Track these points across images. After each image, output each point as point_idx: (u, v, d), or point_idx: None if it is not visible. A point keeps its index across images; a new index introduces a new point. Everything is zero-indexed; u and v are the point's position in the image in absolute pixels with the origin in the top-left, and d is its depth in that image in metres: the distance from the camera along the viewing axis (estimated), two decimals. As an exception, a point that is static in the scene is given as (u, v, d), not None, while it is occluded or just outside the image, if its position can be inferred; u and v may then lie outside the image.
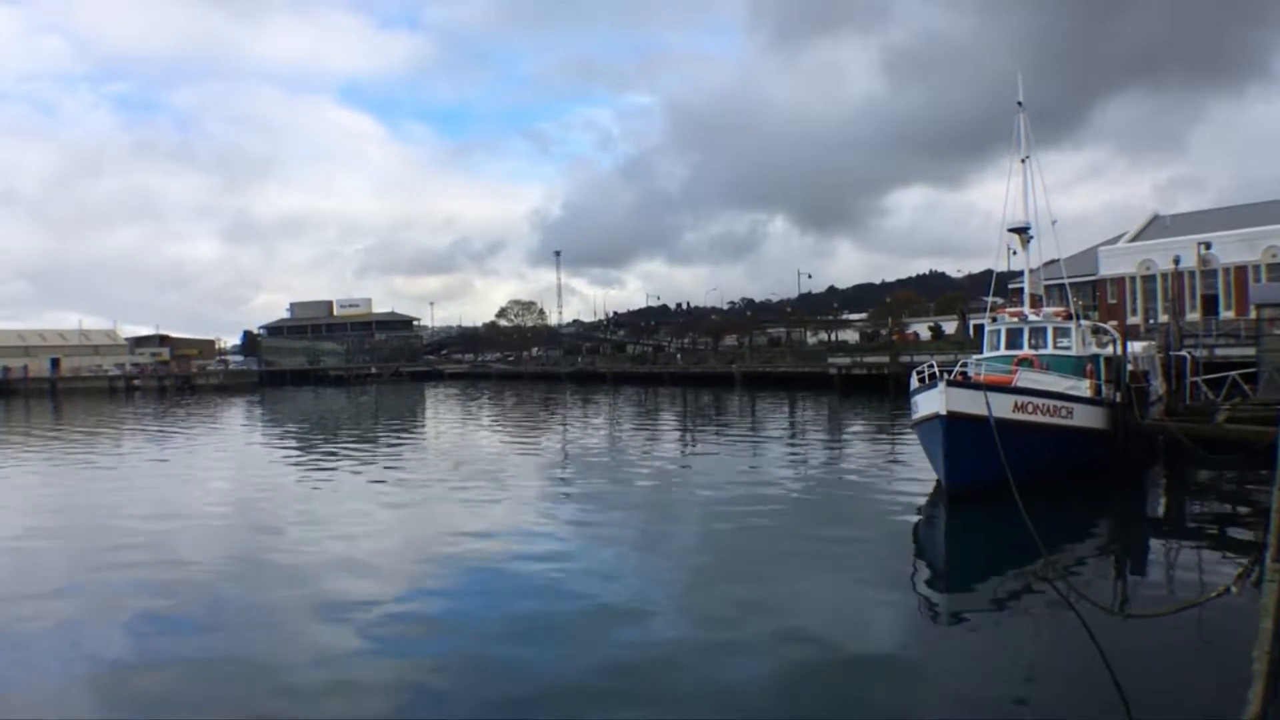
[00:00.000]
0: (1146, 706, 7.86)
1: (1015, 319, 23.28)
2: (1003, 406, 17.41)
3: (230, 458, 31.85)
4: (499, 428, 42.55)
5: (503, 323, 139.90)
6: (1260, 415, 20.70)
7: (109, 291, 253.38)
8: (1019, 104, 24.82)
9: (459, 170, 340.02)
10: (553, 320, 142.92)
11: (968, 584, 13.26)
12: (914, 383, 19.67)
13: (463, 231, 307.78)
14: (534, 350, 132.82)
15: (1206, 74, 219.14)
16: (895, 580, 12.68)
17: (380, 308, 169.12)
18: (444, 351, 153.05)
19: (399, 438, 38.38)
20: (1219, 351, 33.10)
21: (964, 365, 20.27)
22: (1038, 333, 22.53)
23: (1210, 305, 54.31)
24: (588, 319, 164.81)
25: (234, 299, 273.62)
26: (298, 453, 32.85)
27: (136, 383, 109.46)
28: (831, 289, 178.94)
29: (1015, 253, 27.27)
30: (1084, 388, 20.05)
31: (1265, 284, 49.01)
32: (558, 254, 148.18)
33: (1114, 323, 35.44)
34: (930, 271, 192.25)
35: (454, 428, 43.36)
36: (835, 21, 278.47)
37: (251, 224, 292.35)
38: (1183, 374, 26.66)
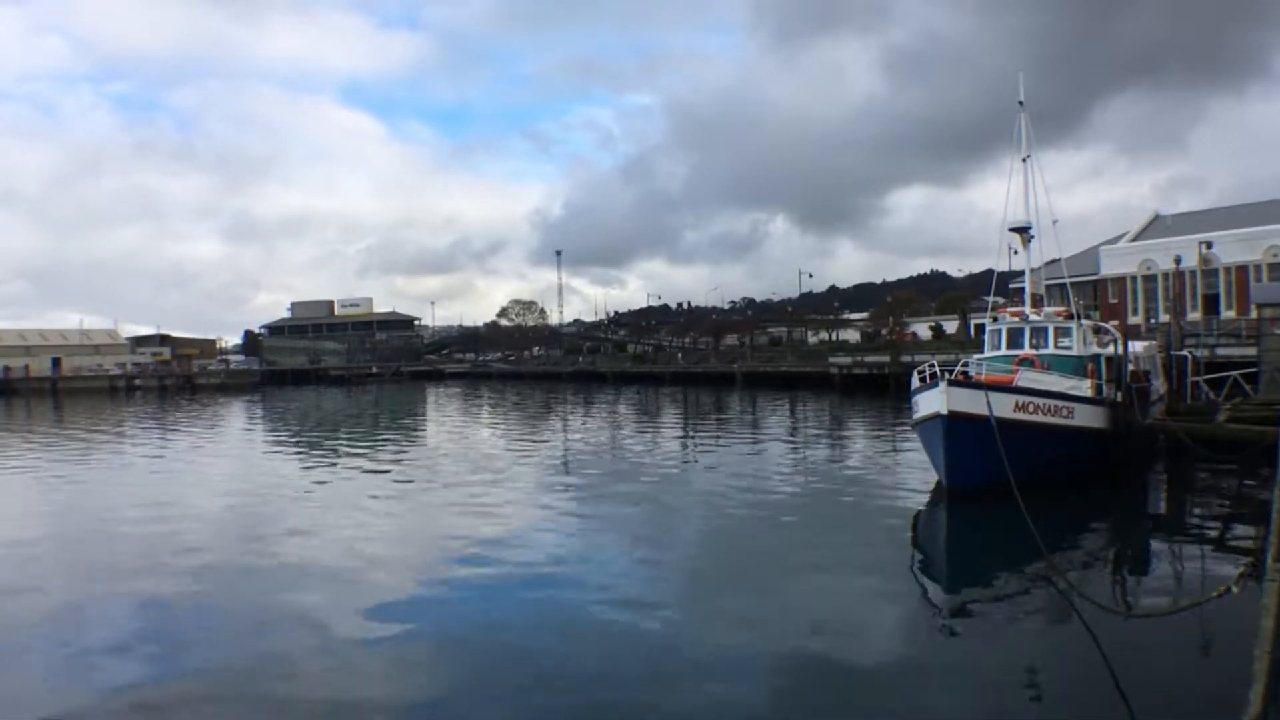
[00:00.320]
0: (1147, 706, 7.86)
1: (1016, 319, 23.27)
2: (1004, 406, 17.40)
3: (232, 457, 31.87)
4: (500, 427, 42.55)
5: (504, 322, 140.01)
6: (1261, 415, 20.72)
7: (110, 291, 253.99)
8: (1020, 103, 24.82)
9: (460, 170, 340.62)
10: (554, 320, 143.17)
11: (969, 583, 13.25)
12: (915, 382, 19.67)
13: (463, 231, 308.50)
14: (535, 350, 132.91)
15: (1207, 73, 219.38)
16: (896, 580, 12.68)
17: (381, 307, 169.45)
18: (445, 351, 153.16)
19: (401, 437, 38.40)
20: (1220, 351, 33.07)
21: (965, 365, 20.26)
22: (1039, 332, 22.51)
23: (1211, 305, 54.29)
24: (589, 319, 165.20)
25: (235, 299, 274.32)
26: (300, 452, 32.87)
27: (137, 382, 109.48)
28: (832, 288, 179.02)
29: (1016, 252, 27.31)
30: (1085, 387, 20.03)
31: (1266, 284, 49.00)
32: (558, 254, 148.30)
33: (1115, 322, 35.41)
34: (931, 271, 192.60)
35: (455, 427, 43.36)
36: (836, 21, 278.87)
37: (252, 224, 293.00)
38: (1184, 374, 26.67)
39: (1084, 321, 23.81)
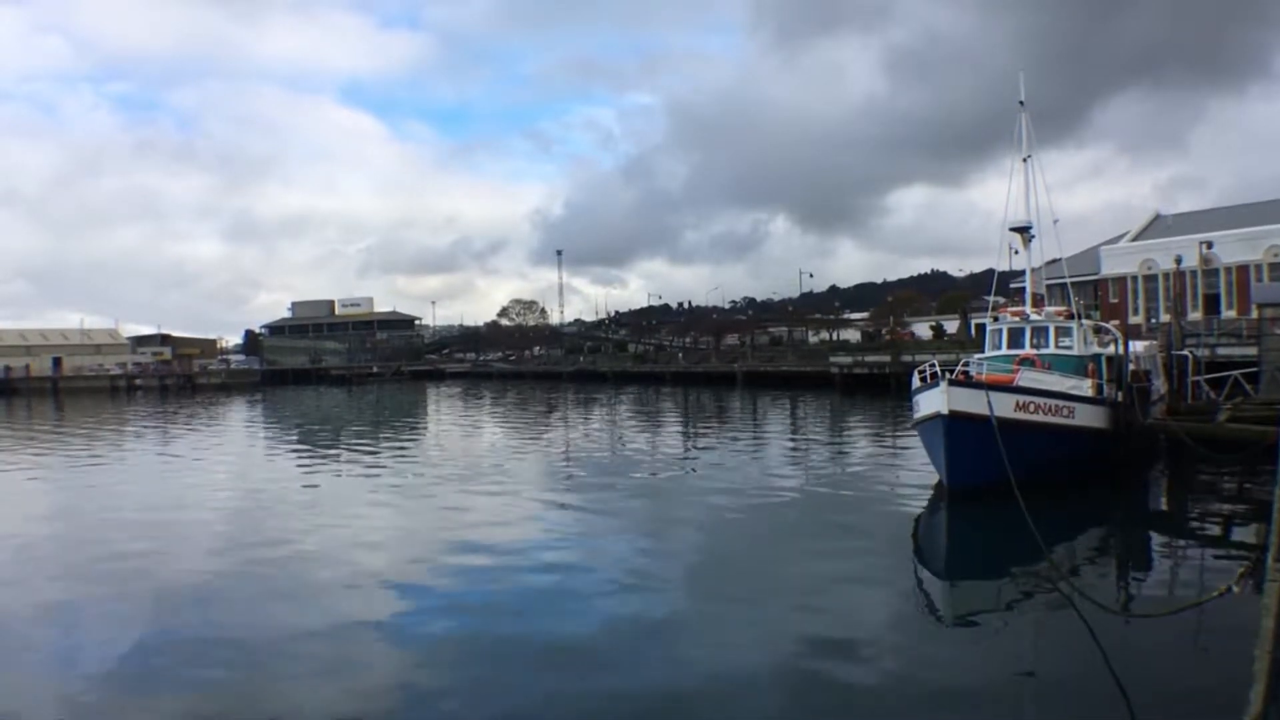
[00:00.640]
0: (1148, 706, 7.86)
1: (1017, 318, 23.26)
2: (1004, 406, 17.40)
3: (233, 457, 31.87)
4: (501, 427, 42.56)
5: (504, 322, 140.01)
6: (1262, 415, 20.68)
7: (111, 291, 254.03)
8: (1020, 103, 24.79)
9: (460, 170, 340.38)
10: (554, 319, 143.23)
11: (969, 583, 13.27)
12: (915, 382, 19.67)
13: (464, 231, 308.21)
14: (535, 349, 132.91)
15: (1207, 73, 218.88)
16: (896, 579, 12.69)
17: (382, 307, 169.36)
18: (446, 351, 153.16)
19: (402, 437, 38.42)
20: (1221, 351, 33.04)
21: (965, 364, 20.26)
22: (1039, 332, 22.51)
23: (1212, 304, 54.21)
24: (589, 318, 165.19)
25: (236, 298, 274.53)
26: (301, 452, 32.88)
27: (138, 382, 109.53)
28: (833, 288, 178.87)
29: (1017, 252, 27.32)
30: (1086, 387, 20.03)
31: (1267, 283, 48.94)
32: (559, 253, 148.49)
33: (1115, 322, 35.41)
34: (932, 271, 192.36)
35: (457, 427, 43.39)
36: (836, 21, 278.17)
37: (253, 223, 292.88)
38: (1184, 373, 26.63)
39: (1085, 321, 23.81)
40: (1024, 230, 24.56)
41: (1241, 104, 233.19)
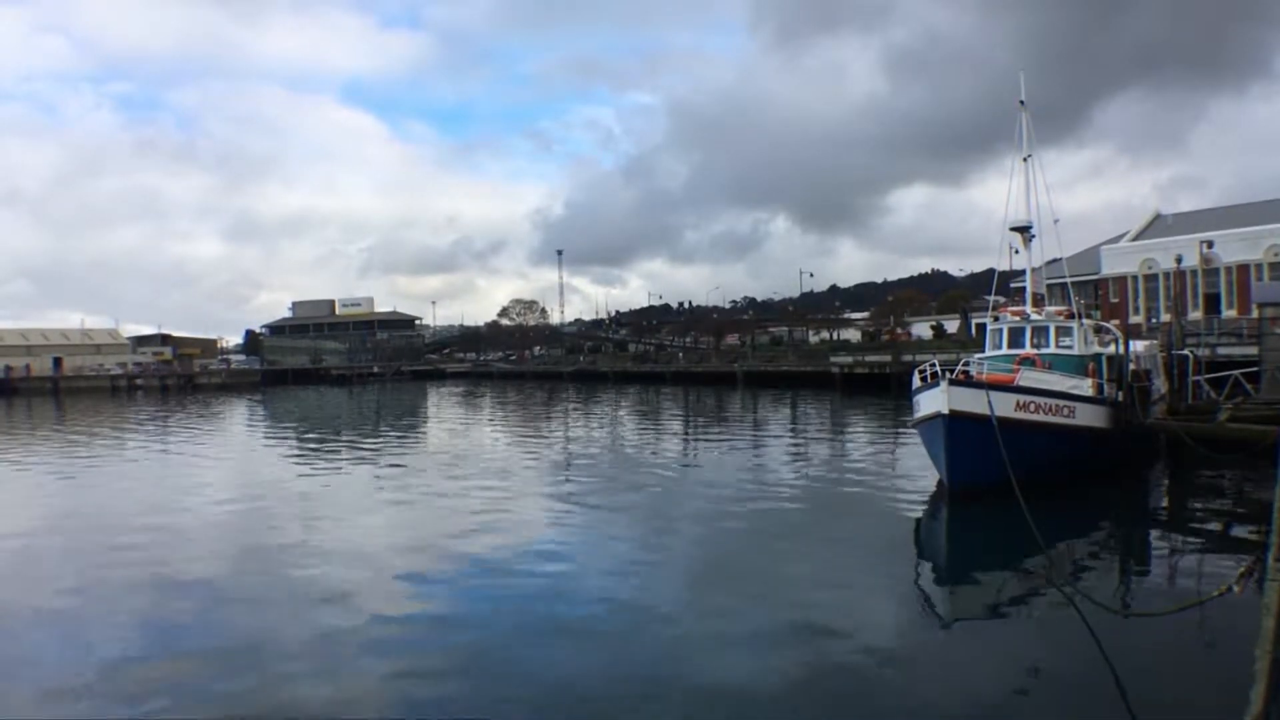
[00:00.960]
0: (1148, 706, 7.87)
1: (1017, 318, 23.26)
2: (1005, 405, 17.40)
3: (233, 457, 31.89)
4: (502, 427, 42.57)
5: (505, 322, 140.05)
6: (1262, 414, 20.68)
7: (111, 291, 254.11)
8: (1020, 103, 24.79)
9: (461, 169, 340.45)
10: (555, 319, 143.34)
11: (969, 583, 13.26)
12: (916, 382, 19.68)
13: (464, 230, 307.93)
14: (536, 349, 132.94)
15: (1207, 73, 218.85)
16: (897, 579, 12.69)
17: (382, 307, 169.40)
18: (446, 351, 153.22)
19: (403, 437, 38.41)
20: (1221, 350, 33.04)
21: (966, 364, 20.25)
22: (1040, 332, 22.51)
23: (1212, 304, 54.19)
24: (590, 318, 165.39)
25: (236, 298, 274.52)
26: (301, 452, 32.89)
27: (139, 382, 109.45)
28: (833, 288, 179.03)
29: (1017, 251, 27.28)
30: (1086, 387, 20.03)
31: (1267, 283, 48.90)
32: (559, 253, 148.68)
33: (1116, 322, 35.44)
34: (932, 270, 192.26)
35: (457, 427, 43.40)
36: (837, 20, 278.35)
37: (253, 223, 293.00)
38: (1185, 373, 26.59)
39: (1085, 321, 23.81)
40: (1024, 230, 24.55)
41: (1241, 104, 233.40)
